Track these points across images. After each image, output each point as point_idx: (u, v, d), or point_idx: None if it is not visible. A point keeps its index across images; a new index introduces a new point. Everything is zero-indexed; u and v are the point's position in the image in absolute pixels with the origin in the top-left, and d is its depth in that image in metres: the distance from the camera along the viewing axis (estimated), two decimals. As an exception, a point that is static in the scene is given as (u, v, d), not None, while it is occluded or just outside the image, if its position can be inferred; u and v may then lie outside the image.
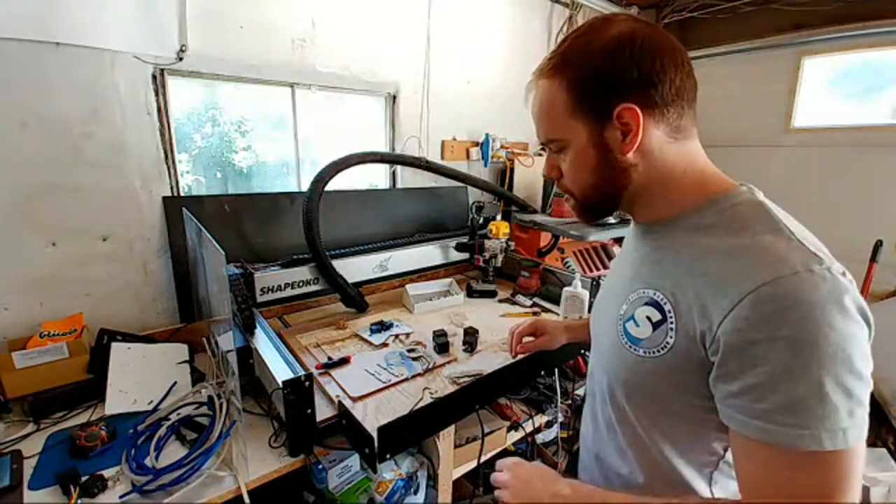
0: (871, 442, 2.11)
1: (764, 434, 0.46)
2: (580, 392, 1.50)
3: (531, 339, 1.16)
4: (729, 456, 0.58)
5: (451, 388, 1.20)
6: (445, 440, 1.19)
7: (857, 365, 0.45)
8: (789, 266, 0.46)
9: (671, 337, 0.55)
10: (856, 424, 0.45)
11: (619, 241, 2.37)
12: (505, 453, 1.36)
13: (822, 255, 0.48)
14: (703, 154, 0.62)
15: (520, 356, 1.18)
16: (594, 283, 1.59)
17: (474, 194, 2.37)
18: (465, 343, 1.42)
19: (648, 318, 0.59)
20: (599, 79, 0.56)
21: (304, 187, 1.66)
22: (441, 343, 1.39)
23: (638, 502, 0.57)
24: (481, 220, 2.04)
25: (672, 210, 0.61)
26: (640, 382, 0.61)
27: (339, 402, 1.09)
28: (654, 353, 0.58)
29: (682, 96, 0.58)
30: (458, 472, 1.27)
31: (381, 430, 0.93)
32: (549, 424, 1.57)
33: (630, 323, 0.62)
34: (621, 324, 0.64)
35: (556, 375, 1.38)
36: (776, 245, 0.49)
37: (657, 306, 0.58)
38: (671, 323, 0.56)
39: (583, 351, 1.45)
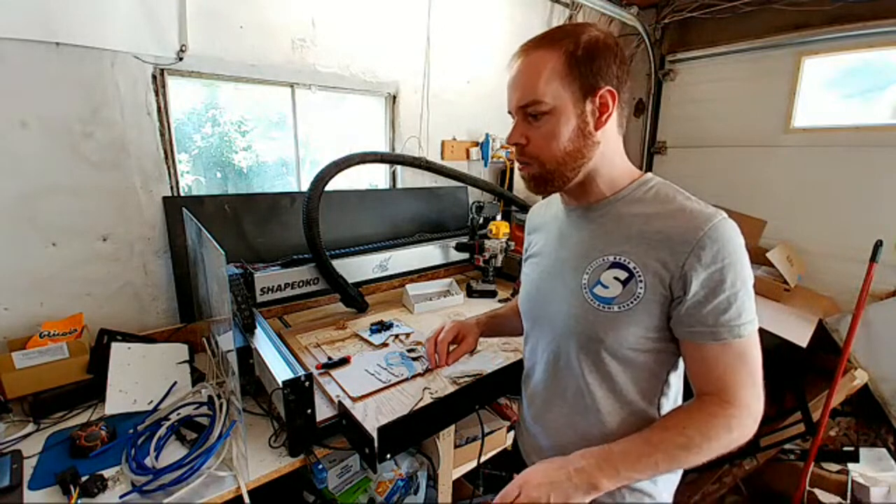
0: (872, 442, 2.10)
1: (729, 334, 0.64)
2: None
3: (454, 346, 1.09)
4: (670, 379, 0.74)
5: (451, 388, 1.20)
6: (445, 440, 1.19)
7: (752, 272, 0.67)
8: (715, 216, 0.65)
9: (640, 288, 0.68)
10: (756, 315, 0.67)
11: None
12: (505, 453, 1.36)
13: (718, 207, 0.67)
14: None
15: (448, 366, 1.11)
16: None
17: (474, 194, 2.37)
18: (465, 343, 1.42)
19: (616, 279, 0.70)
20: (594, 60, 0.67)
21: (304, 187, 1.67)
22: (441, 343, 1.39)
23: (647, 436, 0.67)
24: (481, 220, 2.05)
25: (610, 190, 0.74)
26: (616, 335, 0.70)
27: (339, 402, 1.09)
28: (628, 304, 0.69)
29: (629, 104, 0.73)
30: (458, 472, 1.27)
31: (381, 430, 0.93)
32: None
33: (598, 287, 0.72)
34: (588, 291, 0.73)
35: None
36: (696, 206, 0.67)
37: (622, 267, 0.70)
38: (639, 277, 0.68)
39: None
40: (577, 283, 0.75)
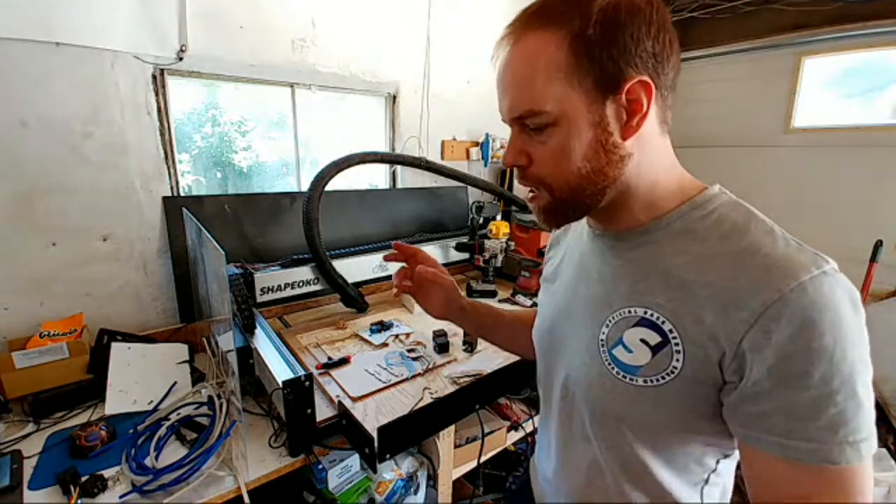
0: (871, 442, 2.10)
1: (809, 455, 0.41)
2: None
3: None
4: (721, 467, 0.55)
5: (451, 388, 1.20)
6: (445, 440, 1.19)
7: (871, 367, 0.43)
8: (805, 270, 0.42)
9: (678, 361, 0.48)
10: (873, 433, 0.42)
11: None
12: (505, 453, 1.36)
13: (821, 254, 0.44)
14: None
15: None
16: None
17: (474, 194, 2.37)
18: (464, 343, 1.42)
19: (644, 342, 0.50)
20: (618, 37, 0.44)
21: (304, 187, 1.67)
22: (441, 343, 1.39)
23: None
24: (481, 220, 2.05)
25: (650, 214, 0.53)
26: (641, 414, 0.52)
27: (339, 402, 1.09)
28: (657, 380, 0.49)
29: (675, 85, 0.50)
30: (458, 472, 1.27)
31: (381, 430, 0.93)
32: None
33: (619, 349, 0.53)
34: (606, 351, 0.54)
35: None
36: (777, 247, 0.45)
37: (653, 327, 0.50)
38: (676, 344, 0.48)
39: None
40: (593, 338, 0.56)
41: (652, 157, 0.51)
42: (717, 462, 0.55)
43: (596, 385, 0.56)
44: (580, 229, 0.66)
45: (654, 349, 0.50)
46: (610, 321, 0.54)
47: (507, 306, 1.81)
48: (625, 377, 0.52)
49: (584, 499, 0.62)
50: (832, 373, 0.40)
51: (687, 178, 0.55)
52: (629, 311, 0.52)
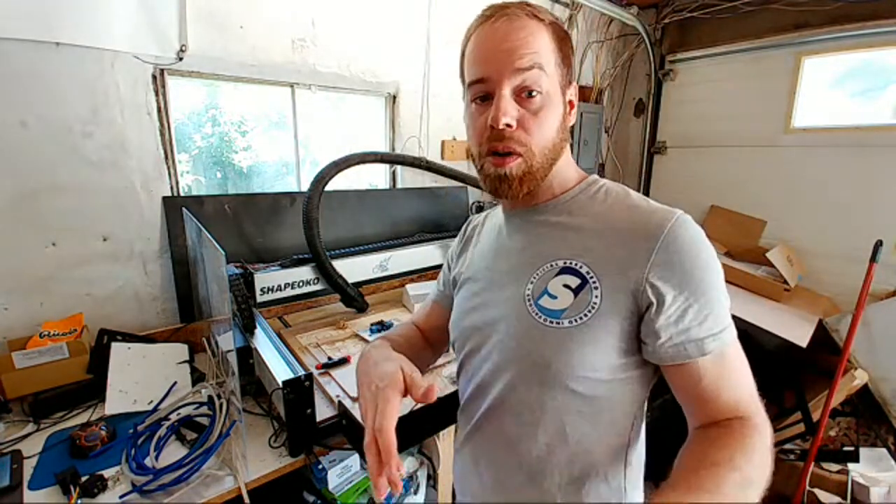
0: (872, 442, 2.10)
1: (717, 342, 0.53)
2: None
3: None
4: (638, 424, 0.61)
5: (451, 388, 1.20)
6: (445, 440, 1.19)
7: None
8: (673, 213, 0.56)
9: (596, 297, 0.56)
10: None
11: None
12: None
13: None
14: None
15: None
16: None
17: (474, 194, 2.37)
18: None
19: (567, 287, 0.58)
20: (569, 46, 0.62)
21: (304, 187, 1.67)
22: (441, 343, 1.39)
23: (697, 481, 0.47)
24: (481, 220, 2.04)
25: (562, 188, 0.65)
26: (568, 357, 0.56)
27: (339, 402, 1.09)
28: (581, 318, 0.56)
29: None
30: (458, 472, 1.27)
31: (381, 430, 0.93)
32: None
33: (544, 298, 0.59)
34: (533, 304, 0.60)
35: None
36: (650, 203, 0.59)
37: (573, 272, 0.58)
38: (594, 282, 0.56)
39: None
40: (520, 297, 0.61)
41: (564, 147, 0.64)
42: (635, 416, 0.61)
43: (524, 337, 0.60)
44: (490, 226, 0.77)
45: (576, 290, 0.57)
46: (535, 277, 0.61)
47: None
48: (551, 322, 0.58)
49: (499, 482, 0.65)
50: (715, 279, 0.54)
51: (575, 165, 0.69)
52: (552, 265, 0.60)
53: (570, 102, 0.63)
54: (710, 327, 0.53)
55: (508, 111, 0.57)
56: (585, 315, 0.56)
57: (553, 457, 0.60)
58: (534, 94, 0.57)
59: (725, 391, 0.54)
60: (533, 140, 0.58)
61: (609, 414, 0.59)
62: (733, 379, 0.54)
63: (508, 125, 0.57)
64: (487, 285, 0.68)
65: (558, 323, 0.57)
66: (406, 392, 0.55)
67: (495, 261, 0.70)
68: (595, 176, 0.67)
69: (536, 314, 0.59)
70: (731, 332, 0.55)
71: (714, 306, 0.53)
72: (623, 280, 0.55)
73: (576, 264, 0.58)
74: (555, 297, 0.58)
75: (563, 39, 0.60)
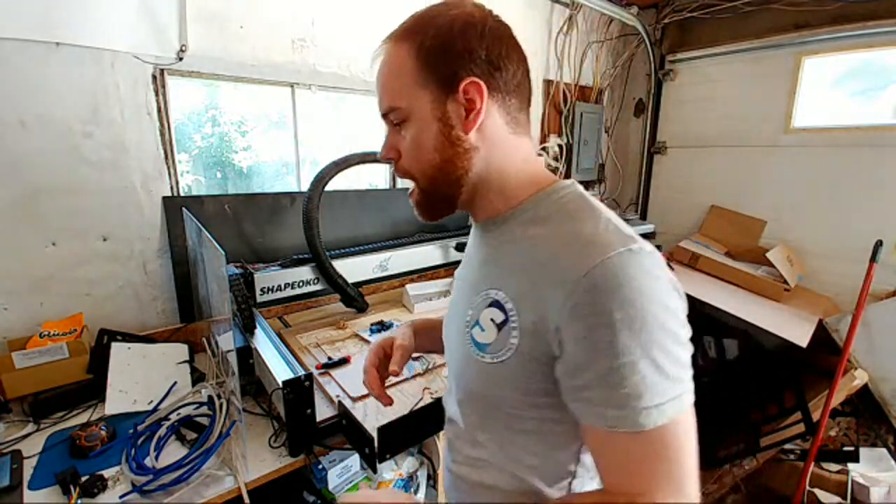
0: (872, 442, 2.10)
1: (621, 422, 0.45)
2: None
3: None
4: (586, 460, 0.57)
5: (451, 388, 1.20)
6: (445, 440, 1.19)
7: (681, 333, 0.47)
8: (611, 248, 0.46)
9: (514, 337, 0.52)
10: (682, 392, 0.46)
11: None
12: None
13: (635, 238, 0.49)
14: (534, 152, 0.62)
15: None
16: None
17: (474, 194, 2.36)
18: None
19: (492, 321, 0.54)
20: (448, 48, 0.54)
21: (304, 187, 1.67)
22: (441, 343, 1.39)
23: None
24: (481, 220, 2.04)
25: (509, 204, 0.59)
26: (490, 394, 0.56)
27: (339, 402, 1.09)
28: (498, 357, 0.53)
29: (522, 91, 0.59)
30: (458, 472, 1.27)
31: (381, 430, 0.93)
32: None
33: (476, 329, 0.57)
34: (469, 332, 0.58)
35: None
36: (596, 231, 0.49)
37: (499, 306, 0.54)
38: (513, 322, 0.52)
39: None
40: (462, 321, 0.60)
41: (502, 152, 0.58)
42: (579, 450, 0.57)
43: (463, 365, 0.60)
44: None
45: (499, 327, 0.54)
46: (473, 303, 0.59)
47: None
48: (478, 355, 0.56)
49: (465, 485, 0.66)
50: (632, 342, 0.44)
51: (543, 173, 0.61)
52: (486, 294, 0.57)
53: (468, 103, 0.54)
54: (619, 400, 0.44)
55: (384, 145, 0.61)
56: (505, 354, 0.53)
57: (498, 479, 0.61)
58: (401, 124, 0.58)
59: (616, 464, 0.47)
60: (414, 165, 0.59)
61: (544, 446, 0.57)
62: (635, 461, 0.45)
63: (388, 157, 0.61)
64: (455, 295, 0.69)
65: (483, 357, 0.56)
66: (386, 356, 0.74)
67: (464, 269, 0.70)
68: (562, 184, 0.58)
69: (470, 344, 0.58)
70: (652, 415, 0.44)
71: (625, 374, 0.44)
72: (541, 323, 0.49)
73: (503, 298, 0.54)
74: (483, 330, 0.56)
75: (429, 51, 0.54)
